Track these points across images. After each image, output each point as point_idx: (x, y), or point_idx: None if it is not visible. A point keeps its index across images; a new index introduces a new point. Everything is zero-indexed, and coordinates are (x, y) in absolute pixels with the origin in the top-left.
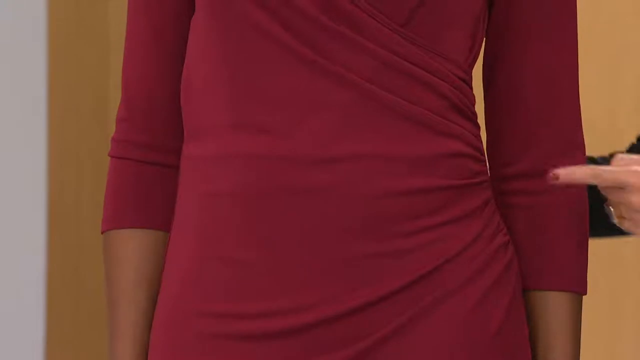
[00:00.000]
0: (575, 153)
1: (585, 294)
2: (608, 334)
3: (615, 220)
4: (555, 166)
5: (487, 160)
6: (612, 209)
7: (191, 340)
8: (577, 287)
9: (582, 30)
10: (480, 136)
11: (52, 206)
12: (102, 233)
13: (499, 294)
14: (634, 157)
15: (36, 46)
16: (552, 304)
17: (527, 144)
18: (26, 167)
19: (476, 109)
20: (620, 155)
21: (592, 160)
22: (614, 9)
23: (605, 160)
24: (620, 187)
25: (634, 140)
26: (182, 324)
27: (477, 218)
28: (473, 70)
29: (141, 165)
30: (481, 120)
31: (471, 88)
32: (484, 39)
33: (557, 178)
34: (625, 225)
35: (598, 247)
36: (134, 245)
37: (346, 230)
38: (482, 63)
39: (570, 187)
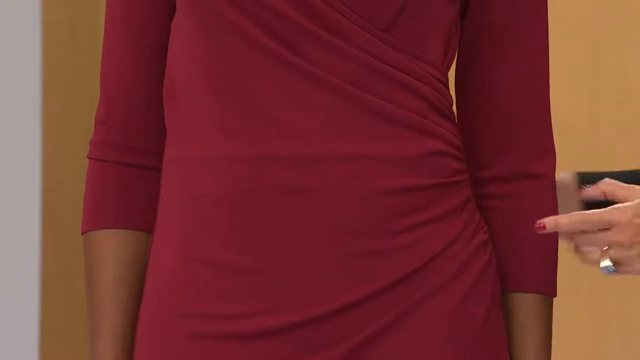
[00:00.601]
0: (548, 157)
1: (555, 295)
2: (593, 335)
3: (612, 269)
4: (529, 170)
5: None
6: (608, 264)
7: (179, 340)
8: (547, 289)
9: (562, 31)
10: (458, 135)
11: (46, 206)
12: (82, 234)
13: (479, 292)
14: (619, 184)
15: (31, 49)
16: (524, 305)
17: (501, 149)
18: (21, 167)
19: None
20: (607, 180)
21: (583, 176)
22: (593, 8)
23: (596, 176)
24: (607, 228)
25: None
26: (169, 323)
27: (459, 216)
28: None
29: (120, 167)
30: None
31: (448, 89)
32: (457, 45)
33: (543, 228)
34: (622, 271)
35: None
36: (114, 246)
37: (334, 230)
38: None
39: (543, 193)
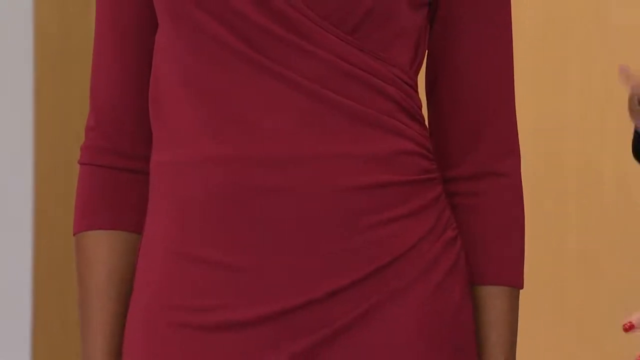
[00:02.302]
0: (512, 157)
1: (522, 287)
2: (552, 329)
3: None
4: (494, 169)
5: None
6: None
7: (167, 331)
8: (513, 281)
9: (526, 48)
10: (427, 136)
11: (38, 209)
12: (73, 235)
13: (449, 287)
14: None
15: (23, 61)
16: (490, 298)
17: (467, 149)
18: (13, 174)
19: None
20: None
21: None
22: (557, 26)
23: None
24: None
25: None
26: (159, 316)
27: (430, 212)
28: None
29: (110, 170)
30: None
31: (417, 93)
32: (426, 50)
33: (630, 328)
34: None
35: (541, 244)
36: (104, 247)
37: (310, 227)
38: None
39: (507, 190)
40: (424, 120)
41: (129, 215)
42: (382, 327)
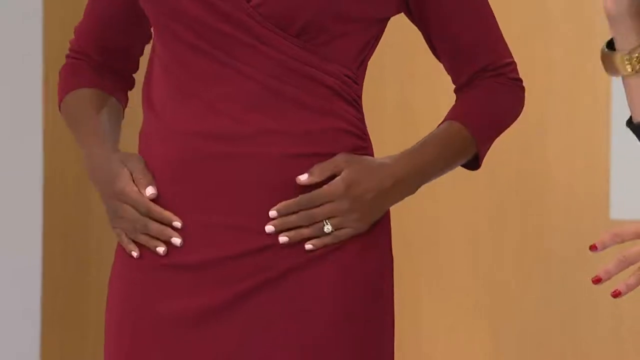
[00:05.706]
0: (510, 64)
1: (477, 135)
2: (466, 331)
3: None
4: (496, 70)
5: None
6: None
7: (139, 271)
8: (469, 124)
9: None
10: (363, 121)
11: (47, 200)
12: (58, 104)
13: (368, 254)
14: None
15: (32, 72)
16: (445, 126)
17: (465, 66)
18: (24, 176)
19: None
20: None
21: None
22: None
23: None
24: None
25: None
26: (132, 260)
27: None
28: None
29: (83, 60)
30: (417, 117)
31: (358, 83)
32: (374, 46)
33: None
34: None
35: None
36: (88, 92)
37: (250, 188)
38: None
39: (505, 83)
40: (360, 106)
41: (105, 82)
42: (309, 280)
